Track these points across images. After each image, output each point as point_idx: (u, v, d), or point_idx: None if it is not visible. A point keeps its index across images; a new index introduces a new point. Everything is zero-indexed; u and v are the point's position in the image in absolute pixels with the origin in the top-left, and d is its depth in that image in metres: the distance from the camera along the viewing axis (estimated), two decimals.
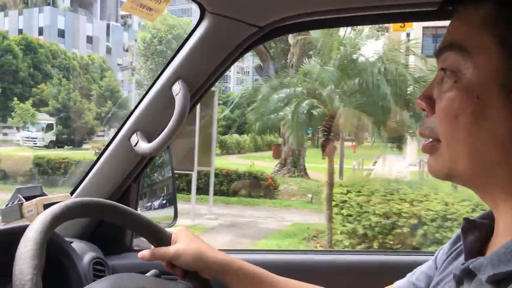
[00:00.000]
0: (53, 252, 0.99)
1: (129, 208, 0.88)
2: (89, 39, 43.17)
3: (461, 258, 0.67)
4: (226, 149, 21.17)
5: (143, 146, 1.13)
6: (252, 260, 0.98)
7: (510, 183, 0.58)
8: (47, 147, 21.57)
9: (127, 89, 31.71)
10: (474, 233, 0.65)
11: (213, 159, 9.36)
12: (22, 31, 34.39)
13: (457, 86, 0.59)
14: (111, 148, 1.22)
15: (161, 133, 1.09)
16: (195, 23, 1.09)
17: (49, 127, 23.17)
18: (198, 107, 5.78)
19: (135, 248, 1.37)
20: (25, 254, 0.65)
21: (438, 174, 0.63)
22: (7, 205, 1.05)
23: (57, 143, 22.71)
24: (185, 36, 1.13)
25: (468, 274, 0.60)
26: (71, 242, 1.12)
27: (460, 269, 0.62)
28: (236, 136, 23.10)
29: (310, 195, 10.82)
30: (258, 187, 11.39)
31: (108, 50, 43.55)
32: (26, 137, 22.07)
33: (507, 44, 0.56)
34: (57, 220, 0.74)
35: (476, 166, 0.59)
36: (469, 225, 0.66)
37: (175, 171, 1.51)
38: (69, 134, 24.54)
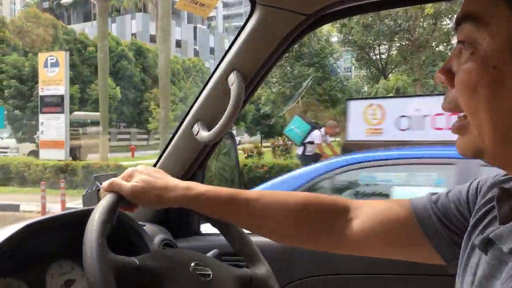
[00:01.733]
0: (126, 234, 1.08)
1: None
2: (178, 43, 44.89)
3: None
4: None
5: (204, 134, 1.21)
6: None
7: None
8: None
9: None
10: (509, 202, 0.62)
11: None
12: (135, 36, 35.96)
13: (473, 58, 0.57)
14: (176, 138, 1.30)
15: (219, 121, 1.16)
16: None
17: None
18: None
19: (203, 232, 1.47)
20: (96, 220, 0.74)
21: (466, 153, 0.62)
22: (87, 191, 1.12)
23: None
24: None
25: (488, 243, 0.60)
26: (144, 225, 1.17)
27: (480, 239, 0.61)
28: None
29: None
30: None
31: (196, 53, 45.02)
32: None
33: None
34: (115, 205, 0.81)
35: (500, 139, 0.57)
36: (503, 194, 0.63)
37: None
38: None
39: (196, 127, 1.24)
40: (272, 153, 18.37)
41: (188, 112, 1.27)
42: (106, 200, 0.80)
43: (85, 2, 44.17)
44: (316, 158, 8.45)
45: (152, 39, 42.13)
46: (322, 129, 8.84)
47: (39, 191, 9.51)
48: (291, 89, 26.95)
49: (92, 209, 0.79)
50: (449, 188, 0.83)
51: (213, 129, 1.18)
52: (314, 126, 9.01)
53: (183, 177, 1.32)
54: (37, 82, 24.98)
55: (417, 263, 1.05)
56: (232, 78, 1.16)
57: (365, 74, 32.74)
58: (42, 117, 14.90)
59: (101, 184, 1.06)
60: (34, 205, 9.61)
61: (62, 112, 14.57)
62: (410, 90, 33.08)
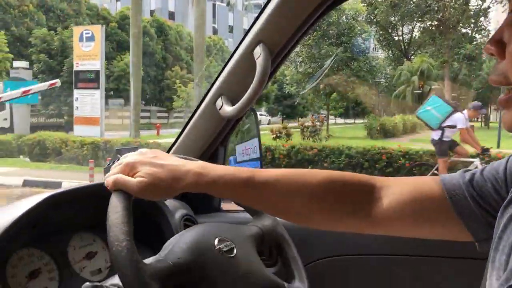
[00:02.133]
0: (148, 210, 1.08)
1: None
2: None
3: None
4: None
5: (227, 109, 1.18)
6: None
7: None
8: None
9: None
10: None
11: None
12: (153, 13, 35.84)
13: None
14: (199, 112, 1.28)
15: (243, 96, 1.13)
16: None
17: None
18: None
19: (223, 209, 1.45)
20: (116, 220, 0.69)
21: None
22: (109, 164, 1.11)
23: None
24: None
25: None
26: (165, 200, 1.17)
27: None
28: None
29: None
30: None
31: (215, 32, 44.75)
32: None
33: None
34: (129, 199, 0.76)
35: None
36: None
37: None
38: None
39: (219, 102, 1.21)
40: (300, 135, 18.12)
41: (211, 86, 1.24)
42: (118, 200, 0.74)
43: None
44: (452, 145, 7.69)
45: (171, 16, 41.81)
46: (465, 111, 7.67)
47: (77, 168, 9.30)
48: (318, 69, 26.55)
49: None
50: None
51: (237, 104, 1.15)
52: (456, 108, 7.65)
53: (205, 153, 1.31)
54: (66, 57, 25.23)
55: (439, 245, 1.10)
56: (258, 51, 1.12)
57: (386, 55, 32.10)
58: (76, 93, 14.69)
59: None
60: (77, 183, 9.50)
61: (98, 88, 14.38)
62: (434, 72, 32.49)
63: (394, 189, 0.82)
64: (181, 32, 32.64)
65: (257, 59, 1.12)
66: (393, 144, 11.64)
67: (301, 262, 0.97)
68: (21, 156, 13.60)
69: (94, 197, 0.78)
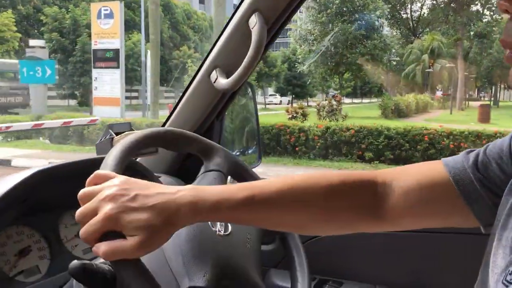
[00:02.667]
0: None
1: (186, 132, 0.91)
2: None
3: None
4: None
5: (222, 82, 1.14)
6: None
7: None
8: None
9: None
10: None
11: None
12: None
13: None
14: (193, 85, 1.24)
15: (238, 68, 1.08)
16: None
17: None
18: None
19: None
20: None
21: None
22: (100, 139, 1.13)
23: None
24: None
25: None
26: (159, 177, 1.17)
27: None
28: None
29: None
30: None
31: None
32: None
33: None
34: (128, 152, 0.76)
35: None
36: None
37: None
38: None
39: (214, 74, 1.17)
40: (317, 115, 17.87)
41: (206, 58, 1.20)
42: (117, 149, 0.75)
43: None
44: None
45: None
46: None
47: None
48: (331, 48, 26.14)
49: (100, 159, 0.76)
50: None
51: (232, 76, 1.11)
52: None
53: (201, 127, 1.29)
54: (78, 36, 24.80)
55: None
56: (254, 20, 1.07)
57: (395, 33, 31.73)
58: (95, 72, 14.34)
59: (114, 132, 1.11)
60: None
61: (118, 67, 14.02)
62: (445, 51, 32.16)
63: (398, 183, 0.78)
64: (187, 10, 32.16)
65: (252, 28, 1.07)
66: (409, 124, 11.41)
67: (304, 253, 0.94)
68: (40, 138, 13.31)
69: (87, 173, 0.72)
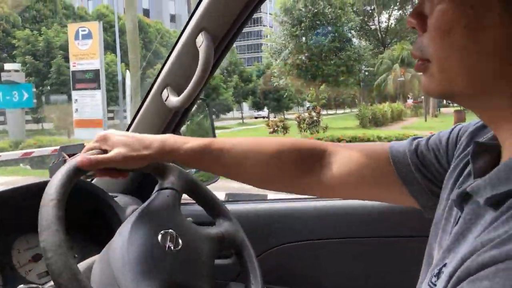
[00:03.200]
0: (95, 206, 1.09)
1: None
2: (172, 18, 44.10)
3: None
4: None
5: (173, 100, 1.16)
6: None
7: (510, 99, 0.53)
8: None
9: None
10: (484, 157, 0.60)
11: None
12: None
13: None
14: (145, 104, 1.26)
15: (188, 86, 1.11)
16: None
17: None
18: None
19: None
20: (47, 206, 0.70)
21: (433, 93, 0.59)
22: (53, 162, 1.14)
23: None
24: None
25: (465, 197, 0.57)
26: (115, 196, 1.19)
27: (457, 194, 0.58)
28: None
29: None
30: None
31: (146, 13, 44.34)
32: None
33: None
34: (75, 172, 0.77)
35: (474, 84, 0.54)
36: (479, 148, 0.61)
37: None
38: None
39: (165, 92, 1.19)
40: (297, 127, 17.95)
41: (157, 77, 1.23)
42: (58, 177, 0.76)
43: None
44: None
45: (146, 13, 41.09)
46: None
47: None
48: (306, 61, 26.42)
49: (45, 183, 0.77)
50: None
51: (182, 94, 1.13)
52: None
53: None
54: (53, 58, 24.27)
55: (392, 227, 1.28)
56: (201, 39, 1.10)
57: (364, 44, 32.34)
58: (75, 94, 14.04)
59: (67, 154, 1.11)
60: None
61: (98, 88, 13.75)
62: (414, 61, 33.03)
63: (344, 154, 0.87)
64: (160, 29, 32.10)
65: (199, 47, 1.10)
66: (387, 132, 11.60)
67: (258, 267, 0.95)
68: (21, 164, 12.89)
69: (38, 197, 0.73)
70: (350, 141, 10.28)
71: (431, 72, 0.58)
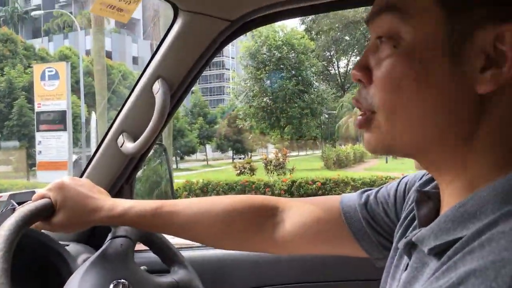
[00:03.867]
0: (45, 254, 1.04)
1: None
2: (135, 60, 44.12)
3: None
4: None
5: (129, 146, 1.16)
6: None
7: (457, 150, 0.55)
8: None
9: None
10: (428, 204, 0.62)
11: None
12: (89, 52, 35.10)
13: (397, 52, 0.55)
14: (100, 150, 1.25)
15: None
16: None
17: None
18: None
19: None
20: None
21: (376, 149, 0.60)
22: (1, 210, 1.11)
23: None
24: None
25: (412, 246, 0.58)
26: (67, 245, 1.15)
27: (403, 243, 0.60)
28: None
29: None
30: None
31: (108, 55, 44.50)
32: None
33: (448, 3, 0.52)
34: (23, 222, 0.78)
35: (420, 136, 0.56)
36: (422, 196, 0.63)
37: None
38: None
39: (121, 139, 1.19)
40: (264, 169, 17.94)
41: (113, 122, 1.22)
42: (5, 228, 0.75)
43: (34, 18, 42.27)
44: None
45: (108, 55, 40.90)
46: None
47: None
48: (271, 103, 26.80)
49: None
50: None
51: (137, 141, 1.13)
52: None
53: (110, 192, 1.24)
54: (15, 99, 23.54)
55: (352, 271, 1.31)
56: (157, 86, 1.12)
57: (324, 88, 33.28)
58: (39, 136, 13.61)
59: (16, 202, 1.07)
60: None
61: (65, 129, 13.39)
62: None
63: (295, 211, 0.87)
64: (123, 71, 31.94)
65: (156, 94, 1.11)
66: (353, 174, 11.80)
67: None
68: None
69: None
70: (324, 183, 10.35)
71: (375, 124, 0.58)
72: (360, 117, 0.61)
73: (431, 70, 0.53)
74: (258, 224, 0.87)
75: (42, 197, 0.86)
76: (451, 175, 0.57)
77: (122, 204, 0.87)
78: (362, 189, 0.86)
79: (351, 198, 0.84)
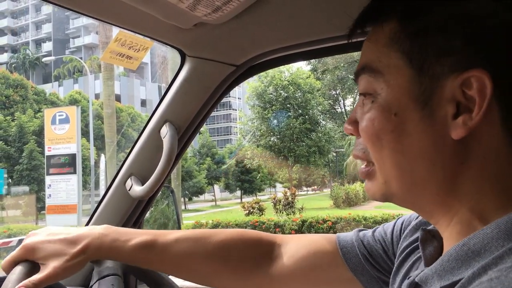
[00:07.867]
0: None
1: None
2: (143, 102, 44.77)
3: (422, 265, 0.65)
4: None
5: (137, 189, 1.17)
6: None
7: (442, 197, 0.57)
8: None
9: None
10: (433, 243, 0.63)
11: None
12: (99, 96, 35.68)
13: (375, 106, 0.59)
14: (109, 193, 1.26)
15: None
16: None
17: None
18: None
19: None
20: None
21: (375, 197, 0.63)
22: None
23: None
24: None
25: (416, 286, 0.59)
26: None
27: (407, 284, 0.61)
28: None
29: None
30: None
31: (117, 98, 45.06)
32: None
33: (414, 59, 0.56)
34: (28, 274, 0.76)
35: (407, 184, 0.58)
36: (427, 235, 0.65)
37: None
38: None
39: (129, 182, 1.20)
40: (273, 209, 17.80)
41: (121, 166, 1.24)
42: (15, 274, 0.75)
43: (44, 64, 43.33)
44: None
45: (117, 98, 41.56)
46: None
47: None
48: (278, 143, 26.85)
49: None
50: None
51: (145, 184, 1.14)
52: None
53: None
54: (25, 143, 23.81)
55: None
56: (165, 130, 1.14)
57: (331, 126, 33.38)
58: (49, 180, 13.65)
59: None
60: None
61: (74, 172, 13.45)
62: None
63: (291, 247, 0.87)
64: (132, 114, 32.36)
65: (163, 137, 1.13)
66: (363, 212, 11.68)
67: None
68: None
69: None
70: (335, 222, 10.23)
71: (374, 174, 0.62)
72: (363, 167, 0.64)
73: (406, 122, 0.56)
74: (255, 258, 0.86)
75: (16, 259, 0.80)
76: (445, 220, 0.58)
77: (111, 237, 0.82)
78: (358, 228, 0.87)
79: (348, 235, 0.86)
